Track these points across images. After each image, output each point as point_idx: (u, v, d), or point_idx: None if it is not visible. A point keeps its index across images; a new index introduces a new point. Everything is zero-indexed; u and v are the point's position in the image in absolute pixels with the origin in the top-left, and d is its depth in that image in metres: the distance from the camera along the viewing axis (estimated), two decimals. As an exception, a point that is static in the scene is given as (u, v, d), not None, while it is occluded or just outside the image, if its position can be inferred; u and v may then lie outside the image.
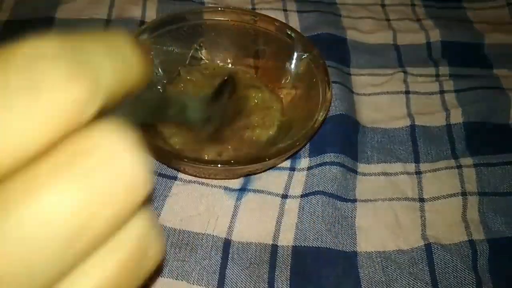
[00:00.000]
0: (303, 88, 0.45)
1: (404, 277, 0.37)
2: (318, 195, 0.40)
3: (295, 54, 0.45)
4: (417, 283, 0.37)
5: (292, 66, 0.46)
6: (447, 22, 0.56)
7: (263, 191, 0.41)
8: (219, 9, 0.47)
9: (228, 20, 0.47)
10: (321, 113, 0.39)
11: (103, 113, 0.12)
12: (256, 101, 0.44)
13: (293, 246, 0.38)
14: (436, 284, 0.37)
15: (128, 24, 0.52)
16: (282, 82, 0.46)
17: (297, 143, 0.38)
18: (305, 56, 0.44)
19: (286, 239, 0.39)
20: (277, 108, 0.45)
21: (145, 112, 0.20)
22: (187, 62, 0.48)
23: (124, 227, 0.13)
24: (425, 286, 0.37)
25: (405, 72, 0.51)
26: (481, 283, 0.37)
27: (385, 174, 0.43)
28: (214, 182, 0.41)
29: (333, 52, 0.51)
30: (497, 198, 0.42)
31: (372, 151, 0.45)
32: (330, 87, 0.41)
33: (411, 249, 0.39)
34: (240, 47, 0.48)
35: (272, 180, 0.42)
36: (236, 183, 0.41)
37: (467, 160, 0.44)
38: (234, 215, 0.40)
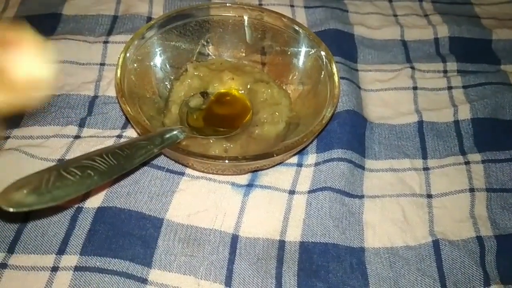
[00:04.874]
0: (310, 84, 0.44)
1: (411, 273, 0.37)
2: (326, 191, 0.40)
3: (303, 50, 0.45)
4: (425, 279, 0.37)
5: (300, 62, 0.46)
6: (455, 17, 0.56)
7: (270, 187, 0.41)
8: (227, 4, 0.47)
9: (235, 16, 0.47)
10: (328, 109, 0.39)
11: None
12: (265, 96, 0.44)
13: (300, 241, 0.38)
14: (443, 280, 0.37)
15: (135, 20, 0.52)
16: (290, 78, 0.46)
17: (305, 139, 0.38)
18: (313, 52, 0.44)
19: (294, 235, 0.39)
20: (285, 104, 0.44)
21: None
22: (194, 58, 0.48)
23: None
24: (433, 282, 0.37)
25: (412, 68, 0.51)
26: (489, 279, 0.37)
27: (393, 170, 0.43)
28: (222, 178, 0.41)
29: (341, 48, 0.51)
30: (505, 194, 0.42)
31: (379, 147, 0.45)
32: (338, 83, 0.41)
33: (419, 245, 0.39)
34: (247, 43, 0.48)
35: (279, 176, 0.42)
36: (243, 179, 0.41)
37: (475, 156, 0.44)
38: (241, 211, 0.40)
